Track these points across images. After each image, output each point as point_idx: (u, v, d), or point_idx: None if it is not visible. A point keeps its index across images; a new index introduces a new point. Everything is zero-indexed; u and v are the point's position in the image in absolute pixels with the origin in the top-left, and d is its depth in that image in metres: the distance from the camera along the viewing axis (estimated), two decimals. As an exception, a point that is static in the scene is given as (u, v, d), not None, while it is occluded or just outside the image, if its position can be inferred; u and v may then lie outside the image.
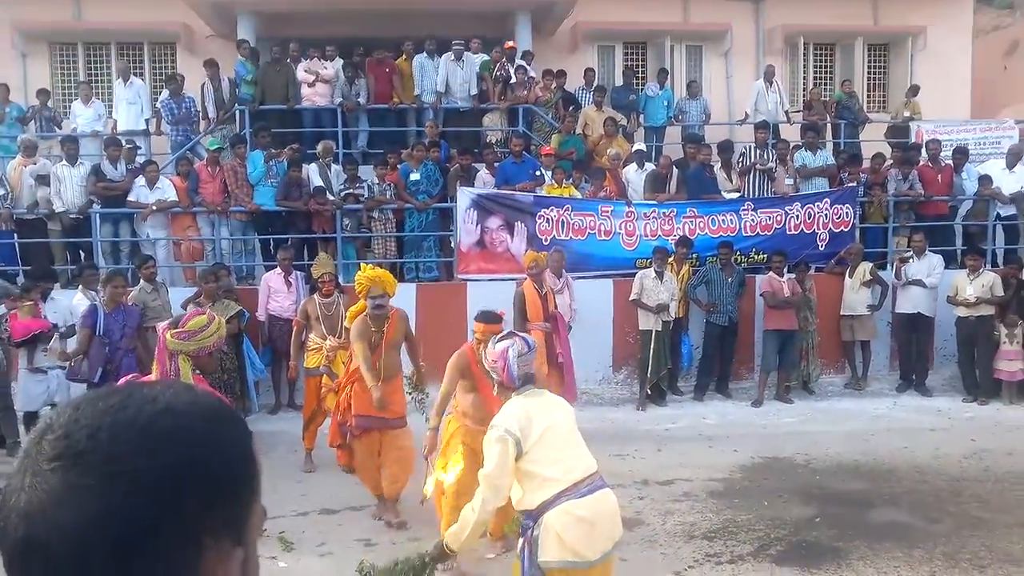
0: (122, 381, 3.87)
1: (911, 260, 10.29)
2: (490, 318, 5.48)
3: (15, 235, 10.43)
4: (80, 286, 8.63)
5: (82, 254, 10.63)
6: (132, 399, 0.84)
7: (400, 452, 6.13)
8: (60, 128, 12.58)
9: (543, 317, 8.31)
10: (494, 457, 3.55)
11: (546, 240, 10.30)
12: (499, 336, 4.05)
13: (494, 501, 3.55)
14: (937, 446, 8.10)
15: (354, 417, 6.09)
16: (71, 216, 10.33)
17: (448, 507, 5.21)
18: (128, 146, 11.06)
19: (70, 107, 12.87)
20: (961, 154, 11.75)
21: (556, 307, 8.54)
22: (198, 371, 3.82)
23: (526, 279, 8.54)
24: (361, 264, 6.44)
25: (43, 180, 10.44)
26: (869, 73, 15.55)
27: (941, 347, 10.66)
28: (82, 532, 0.76)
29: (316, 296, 8.20)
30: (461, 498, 5.19)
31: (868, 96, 15.40)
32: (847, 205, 11.03)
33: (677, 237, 10.40)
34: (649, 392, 9.82)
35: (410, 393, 6.46)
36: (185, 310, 8.84)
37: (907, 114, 13.44)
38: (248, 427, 0.92)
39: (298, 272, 9.74)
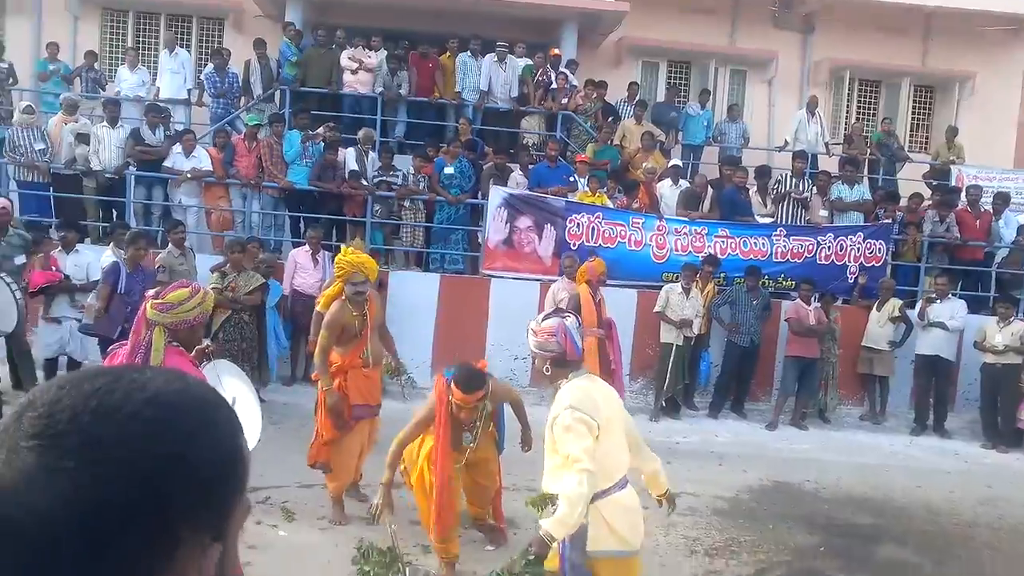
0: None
1: (936, 301, 10.14)
2: (471, 385, 4.71)
3: (51, 189, 10.53)
4: (111, 244, 8.69)
5: (114, 213, 10.72)
6: (120, 383, 0.80)
7: (374, 436, 6.06)
8: (104, 90, 12.73)
9: (597, 323, 8.37)
10: (585, 436, 3.34)
11: (574, 245, 10.27)
12: (545, 314, 3.76)
13: (593, 478, 3.34)
14: (951, 489, 7.94)
15: (352, 407, 5.78)
16: (107, 175, 10.45)
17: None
18: (163, 114, 11.17)
19: (116, 71, 13.03)
20: (1002, 200, 11.61)
21: (608, 315, 8.66)
22: (175, 343, 3.64)
23: (579, 283, 8.73)
24: (342, 247, 6.06)
25: (83, 139, 10.56)
26: (913, 113, 15.43)
27: (964, 391, 10.50)
28: (54, 514, 0.73)
29: None
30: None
31: (911, 136, 15.29)
32: (880, 241, 10.92)
33: (706, 255, 10.33)
34: (664, 404, 9.75)
35: (392, 377, 6.36)
36: (210, 282, 8.92)
37: (951, 157, 13.29)
38: (238, 420, 0.88)
39: (326, 251, 9.77)
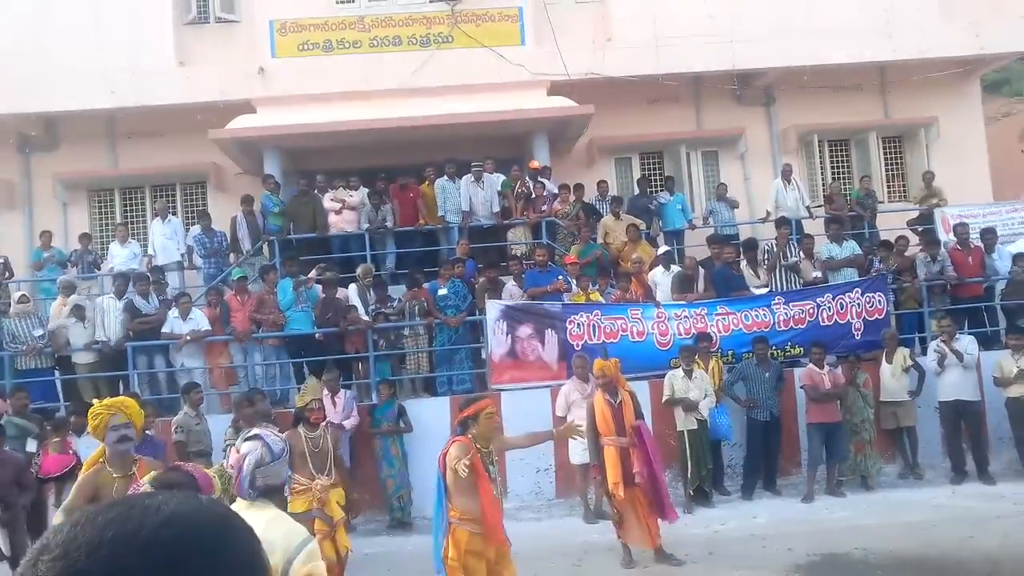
0: None
1: (955, 341, 9.99)
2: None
3: (56, 372, 10.56)
4: None
5: (121, 386, 10.70)
6: (134, 510, 0.81)
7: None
8: (99, 269, 12.93)
9: (614, 431, 7.47)
10: None
11: (578, 346, 10.26)
12: (246, 435, 3.46)
13: None
14: (1006, 534, 7.69)
15: None
16: (109, 348, 10.48)
17: None
18: (156, 280, 11.32)
19: (107, 248, 13.29)
20: (991, 234, 11.68)
21: (639, 418, 7.66)
22: None
23: (597, 391, 7.80)
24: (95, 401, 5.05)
25: (78, 312, 10.62)
26: (886, 164, 15.69)
27: (996, 430, 10.25)
28: None
29: (302, 428, 7.29)
30: None
31: (888, 187, 15.50)
32: (879, 293, 10.92)
33: (694, 334, 10.27)
34: (692, 493, 9.50)
35: None
36: (225, 438, 8.83)
37: (934, 200, 13.41)
38: (255, 533, 0.90)
39: (345, 389, 9.77)
